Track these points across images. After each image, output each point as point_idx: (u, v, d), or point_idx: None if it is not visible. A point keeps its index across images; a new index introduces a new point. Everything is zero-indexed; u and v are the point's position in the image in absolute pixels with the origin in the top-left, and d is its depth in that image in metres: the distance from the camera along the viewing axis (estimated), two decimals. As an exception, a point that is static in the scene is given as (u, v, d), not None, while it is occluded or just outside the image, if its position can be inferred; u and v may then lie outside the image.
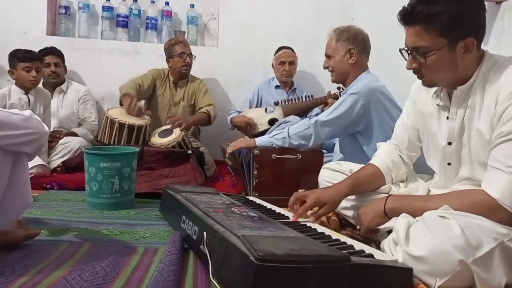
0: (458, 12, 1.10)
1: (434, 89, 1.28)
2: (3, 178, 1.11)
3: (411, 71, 1.24)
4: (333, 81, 2.05)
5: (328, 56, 2.00)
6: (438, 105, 1.28)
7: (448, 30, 1.11)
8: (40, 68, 2.50)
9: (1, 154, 1.09)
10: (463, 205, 1.09)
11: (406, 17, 1.16)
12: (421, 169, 1.50)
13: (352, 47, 1.92)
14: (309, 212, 1.43)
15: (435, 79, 1.21)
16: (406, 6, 1.16)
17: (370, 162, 1.50)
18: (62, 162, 2.51)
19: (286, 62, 3.01)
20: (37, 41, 3.01)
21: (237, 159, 2.25)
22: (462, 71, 1.17)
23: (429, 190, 1.39)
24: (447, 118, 1.25)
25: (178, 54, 2.89)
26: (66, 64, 2.97)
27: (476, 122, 1.16)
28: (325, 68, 2.04)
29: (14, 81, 2.52)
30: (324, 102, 2.71)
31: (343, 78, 2.00)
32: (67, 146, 2.56)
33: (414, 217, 1.12)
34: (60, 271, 1.06)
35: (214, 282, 0.96)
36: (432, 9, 1.11)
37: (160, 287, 0.94)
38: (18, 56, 2.45)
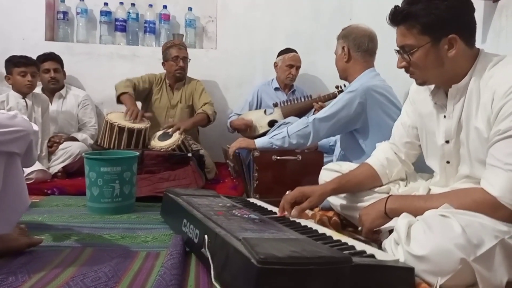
0: (437, 10, 1.13)
1: (432, 88, 1.29)
2: None
3: (405, 70, 1.26)
4: (340, 78, 2.11)
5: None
6: (435, 103, 1.29)
7: (429, 28, 1.15)
8: (35, 73, 2.53)
9: None
10: (463, 203, 1.09)
11: (392, 18, 1.22)
12: (422, 168, 1.50)
13: (344, 45, 1.98)
14: (309, 213, 1.43)
15: (424, 77, 1.24)
16: (392, 8, 1.21)
17: (365, 161, 1.51)
18: (63, 167, 2.52)
19: (294, 66, 3.01)
20: (36, 46, 3.02)
21: (239, 160, 2.26)
22: (453, 69, 1.19)
23: (430, 189, 1.39)
24: (444, 116, 1.26)
25: (172, 57, 2.90)
26: (65, 69, 2.98)
27: (473, 120, 1.17)
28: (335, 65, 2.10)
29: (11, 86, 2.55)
30: (322, 101, 2.71)
31: (344, 75, 2.06)
32: (67, 151, 2.57)
33: (415, 217, 1.12)
34: (62, 276, 1.06)
35: (216, 285, 0.96)
36: (412, 8, 1.16)
37: (163, 291, 0.94)
38: (13, 62, 2.49)
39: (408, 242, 1.06)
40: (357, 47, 1.97)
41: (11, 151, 1.14)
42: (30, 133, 1.18)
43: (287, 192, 1.48)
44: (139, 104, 3.00)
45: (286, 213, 1.43)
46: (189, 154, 2.45)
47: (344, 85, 2.27)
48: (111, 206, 1.76)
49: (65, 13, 3.26)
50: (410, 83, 1.43)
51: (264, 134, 2.57)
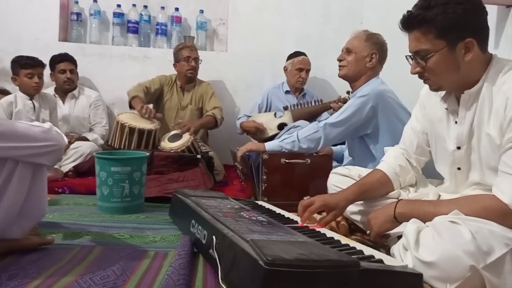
0: (453, 14, 1.12)
1: (443, 93, 1.28)
2: (23, 190, 1.14)
3: (419, 76, 1.25)
4: (340, 75, 2.03)
5: (348, 51, 1.99)
6: (446, 109, 1.28)
7: (445, 32, 1.14)
8: (42, 74, 2.55)
9: (21, 166, 1.12)
10: (473, 210, 1.08)
11: (405, 23, 1.20)
12: (431, 174, 1.49)
13: (375, 52, 1.95)
14: (317, 216, 1.43)
15: (440, 82, 1.22)
16: (405, 13, 1.20)
17: (377, 167, 1.50)
18: (74, 167, 2.54)
19: (303, 70, 3.01)
20: (49, 47, 3.07)
21: (248, 163, 2.26)
22: (467, 74, 1.18)
23: (439, 195, 1.38)
24: (456, 122, 1.25)
25: (184, 58, 2.93)
26: (77, 70, 3.01)
27: (485, 127, 1.16)
28: (339, 60, 2.02)
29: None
30: (333, 107, 2.71)
31: (354, 77, 2.00)
32: (78, 151, 2.59)
33: (424, 222, 1.12)
34: (71, 274, 1.07)
35: (223, 286, 0.97)
36: (427, 13, 1.14)
37: (170, 291, 0.95)
38: (20, 63, 2.50)
39: (417, 248, 1.05)
40: (383, 59, 1.97)
41: (41, 163, 1.16)
42: (63, 147, 1.20)
43: (305, 198, 1.46)
44: (152, 106, 3.03)
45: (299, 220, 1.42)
46: (198, 156, 2.46)
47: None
48: (121, 205, 1.77)
49: (78, 14, 3.31)
50: (419, 88, 1.42)
51: (273, 137, 2.57)
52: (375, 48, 1.95)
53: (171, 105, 3.02)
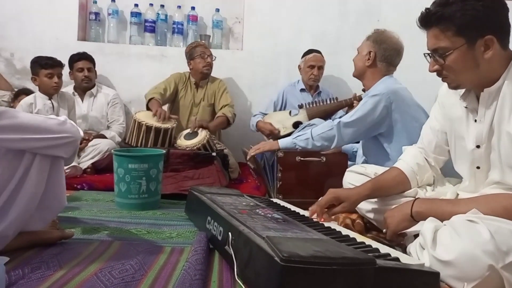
0: (472, 10, 1.10)
1: (462, 92, 1.27)
2: (41, 182, 1.17)
3: (437, 74, 1.23)
4: (352, 75, 2.08)
5: (358, 52, 2.04)
6: (466, 107, 1.26)
7: (464, 29, 1.12)
8: (61, 74, 2.60)
9: (39, 159, 1.15)
10: (492, 209, 1.07)
11: (423, 21, 1.19)
12: (450, 172, 1.47)
13: (372, 51, 1.94)
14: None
15: (458, 80, 1.21)
16: (423, 10, 1.19)
17: (394, 165, 1.48)
18: (92, 164, 2.59)
19: (315, 66, 3.01)
20: (68, 46, 3.13)
21: (259, 162, 2.27)
22: (487, 71, 1.16)
23: (458, 194, 1.36)
24: (475, 120, 1.23)
25: (199, 54, 2.95)
26: (96, 68, 3.07)
27: (506, 125, 1.14)
28: (353, 61, 2.06)
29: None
30: (348, 104, 2.69)
31: (359, 76, 2.04)
32: (97, 148, 2.64)
33: (442, 221, 1.11)
34: (91, 268, 1.10)
35: (239, 282, 0.98)
36: (446, 10, 1.13)
37: (187, 286, 0.96)
38: (40, 63, 2.55)
39: (434, 246, 1.04)
40: (384, 58, 1.94)
41: (57, 156, 1.19)
42: (78, 139, 1.23)
43: (320, 199, 1.47)
44: (167, 107, 3.06)
45: (315, 217, 1.42)
46: (214, 154, 2.48)
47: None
48: (138, 202, 1.80)
49: (97, 14, 3.36)
50: (437, 86, 1.40)
51: (288, 135, 2.57)
52: (372, 47, 1.95)
53: (185, 102, 3.05)
